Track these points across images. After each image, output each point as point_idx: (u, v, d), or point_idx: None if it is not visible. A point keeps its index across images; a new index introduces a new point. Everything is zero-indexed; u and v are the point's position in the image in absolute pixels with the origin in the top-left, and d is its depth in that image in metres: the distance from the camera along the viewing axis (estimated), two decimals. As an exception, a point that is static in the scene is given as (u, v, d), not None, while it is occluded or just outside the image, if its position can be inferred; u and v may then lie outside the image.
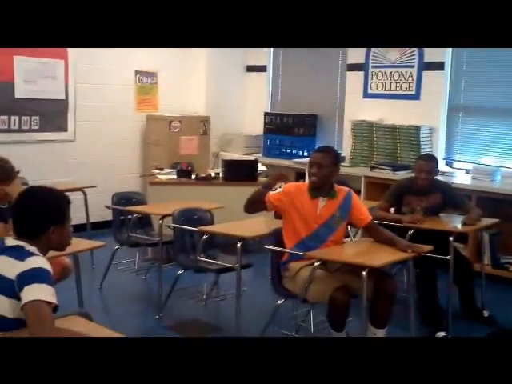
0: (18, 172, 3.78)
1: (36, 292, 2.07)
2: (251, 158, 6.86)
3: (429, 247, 3.69)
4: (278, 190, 3.68)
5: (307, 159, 6.76)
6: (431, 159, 4.58)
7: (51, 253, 2.49)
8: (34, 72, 6.24)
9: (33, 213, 2.28)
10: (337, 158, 3.75)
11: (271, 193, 3.67)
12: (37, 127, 6.34)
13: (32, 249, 2.23)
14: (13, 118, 6.15)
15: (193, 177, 6.03)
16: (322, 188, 3.66)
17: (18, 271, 2.12)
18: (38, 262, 2.17)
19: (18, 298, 2.10)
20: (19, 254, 2.19)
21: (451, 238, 4.12)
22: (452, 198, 4.55)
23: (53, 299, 2.09)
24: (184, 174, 6.01)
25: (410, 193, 4.51)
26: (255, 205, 3.73)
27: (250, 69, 7.90)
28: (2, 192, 3.64)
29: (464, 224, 4.29)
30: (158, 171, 6.23)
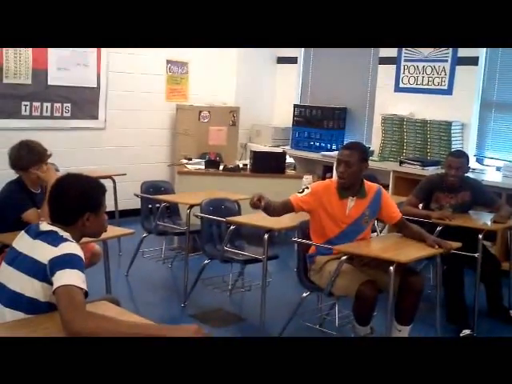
0: (50, 155, 3.78)
1: (68, 277, 2.10)
2: (279, 150, 6.85)
3: (457, 244, 3.65)
4: (306, 191, 3.59)
5: (335, 152, 6.77)
6: (462, 156, 4.52)
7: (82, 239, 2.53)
8: (66, 60, 6.30)
9: (69, 199, 2.31)
10: (365, 154, 3.66)
11: (299, 195, 3.59)
12: (68, 114, 6.41)
13: (66, 235, 2.26)
14: (45, 104, 6.23)
15: (221, 167, 6.05)
16: (351, 187, 3.59)
17: (50, 256, 2.16)
18: (71, 247, 2.20)
19: (50, 283, 2.14)
20: (53, 239, 2.22)
21: (480, 236, 4.08)
22: (482, 196, 4.49)
23: (84, 285, 2.12)
24: (212, 164, 6.03)
25: (439, 189, 4.47)
26: (281, 213, 3.65)
27: (281, 60, 7.88)
28: (34, 176, 3.66)
29: (494, 222, 4.24)
30: (186, 161, 6.27)
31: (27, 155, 3.64)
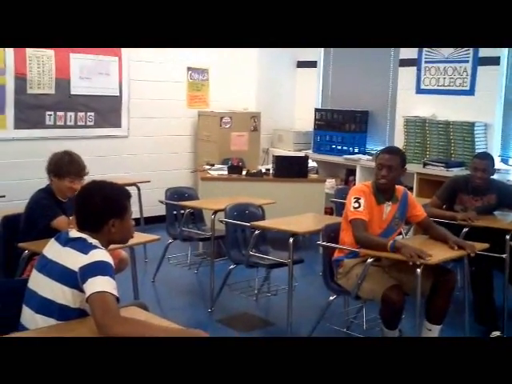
0: (88, 173, 3.76)
1: (101, 284, 2.13)
2: (301, 154, 6.85)
3: (484, 245, 3.62)
4: (361, 202, 3.51)
5: (358, 156, 6.80)
6: (487, 157, 4.49)
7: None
8: (88, 69, 6.38)
9: (93, 205, 2.34)
10: (405, 159, 3.71)
11: (360, 209, 3.50)
12: (92, 123, 6.48)
13: (94, 242, 2.30)
14: (69, 114, 6.31)
15: (243, 172, 6.06)
16: (388, 191, 3.62)
17: (81, 263, 2.19)
18: (101, 255, 2.23)
19: (80, 290, 2.17)
20: (82, 246, 2.26)
21: (507, 237, 4.04)
22: (509, 199, 4.45)
23: (115, 292, 2.15)
24: (235, 169, 6.05)
25: (464, 191, 4.43)
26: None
27: (301, 65, 7.89)
28: (66, 186, 3.64)
29: None
30: (209, 167, 6.30)
31: (68, 165, 3.67)
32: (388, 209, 3.63)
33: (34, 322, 2.24)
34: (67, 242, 2.31)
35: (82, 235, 2.31)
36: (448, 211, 4.43)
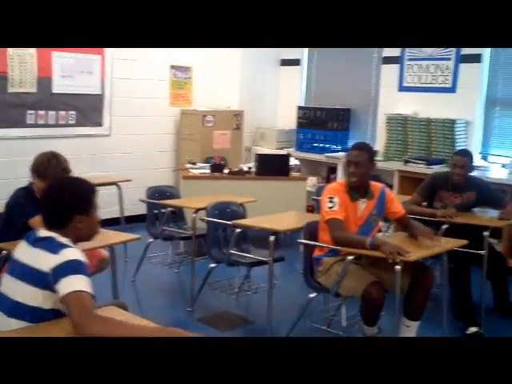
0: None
1: (75, 283, 2.12)
2: (284, 152, 6.86)
3: (462, 241, 3.64)
4: (335, 201, 3.53)
5: (340, 154, 6.82)
6: (466, 154, 4.52)
7: (88, 245, 2.54)
8: (71, 67, 6.33)
9: (58, 202, 2.33)
10: (373, 154, 3.73)
11: (335, 209, 3.52)
12: (73, 122, 6.44)
13: (64, 240, 2.27)
14: (50, 112, 6.26)
15: (226, 171, 6.06)
16: (360, 187, 3.63)
17: (52, 264, 2.16)
18: (72, 253, 2.21)
19: (53, 290, 2.15)
20: (52, 246, 2.23)
21: (486, 233, 4.07)
22: (488, 196, 4.48)
23: (89, 289, 2.13)
24: (217, 168, 6.05)
25: (443, 188, 4.46)
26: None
27: (284, 63, 7.90)
28: None
29: (500, 218, 4.23)
30: (191, 165, 6.28)
31: (53, 167, 3.65)
32: (363, 205, 3.64)
33: (7, 325, 2.22)
34: (36, 241, 2.28)
35: (51, 234, 2.29)
36: (428, 208, 4.45)
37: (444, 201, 4.45)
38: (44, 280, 2.16)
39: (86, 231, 2.37)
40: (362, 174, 3.60)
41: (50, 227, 2.33)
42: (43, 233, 2.31)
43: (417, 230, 3.66)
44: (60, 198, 2.33)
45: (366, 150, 3.67)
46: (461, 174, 4.37)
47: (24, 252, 2.30)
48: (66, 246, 2.24)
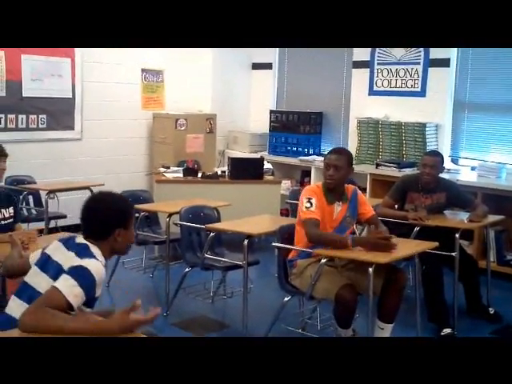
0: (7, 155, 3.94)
1: (64, 283, 2.17)
2: (257, 156, 6.88)
3: (434, 244, 3.70)
4: (313, 201, 3.56)
5: (313, 157, 6.86)
6: (436, 155, 4.59)
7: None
8: (40, 71, 6.27)
9: (102, 215, 2.40)
10: (351, 159, 3.77)
11: (312, 209, 3.54)
12: (44, 126, 6.37)
13: (96, 252, 2.33)
14: (20, 116, 6.19)
15: (199, 175, 6.05)
16: (336, 190, 3.67)
17: (72, 264, 2.24)
18: (92, 265, 2.26)
19: None
20: (83, 252, 2.30)
21: (457, 235, 4.14)
22: (458, 198, 4.54)
23: (73, 299, 2.16)
24: (190, 172, 6.04)
25: (414, 190, 4.51)
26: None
27: (256, 66, 7.92)
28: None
29: (470, 221, 4.30)
30: (164, 169, 6.26)
31: None
32: (338, 209, 3.68)
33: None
34: (72, 246, 2.35)
35: (87, 242, 2.36)
36: (399, 211, 4.51)
37: (414, 202, 4.49)
38: (59, 275, 2.23)
39: (123, 244, 2.44)
40: (340, 178, 3.65)
41: (87, 237, 2.39)
42: (80, 239, 2.39)
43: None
44: (105, 212, 2.41)
45: (345, 155, 3.71)
46: (431, 174, 4.43)
47: (57, 251, 2.37)
48: (93, 256, 2.30)
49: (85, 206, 2.48)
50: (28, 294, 2.32)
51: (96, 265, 2.28)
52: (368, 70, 6.77)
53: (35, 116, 6.30)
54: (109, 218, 2.40)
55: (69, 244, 2.38)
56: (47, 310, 2.10)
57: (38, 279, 2.33)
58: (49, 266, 2.34)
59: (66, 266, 2.25)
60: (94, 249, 2.34)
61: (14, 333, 2.08)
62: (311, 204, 3.57)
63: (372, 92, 6.78)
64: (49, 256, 2.38)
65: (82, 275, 2.21)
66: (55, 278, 2.24)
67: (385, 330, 3.55)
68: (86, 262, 2.25)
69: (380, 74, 6.70)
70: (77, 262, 2.25)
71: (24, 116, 6.21)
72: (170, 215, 4.57)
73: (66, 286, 2.16)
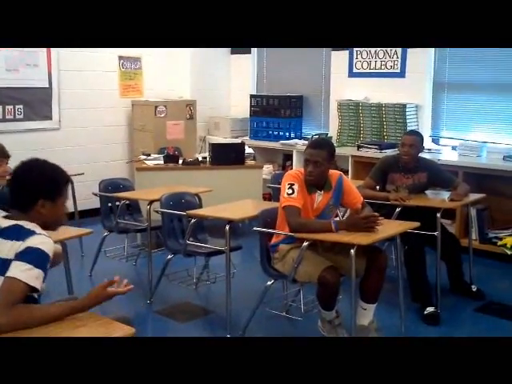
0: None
1: (19, 270, 2.06)
2: (238, 141, 6.84)
3: (415, 224, 3.70)
4: (295, 188, 3.49)
5: (294, 141, 6.84)
6: (414, 134, 4.61)
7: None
8: (15, 60, 6.17)
9: (27, 181, 2.25)
10: (333, 152, 3.63)
11: (294, 196, 3.48)
12: (21, 116, 6.29)
13: (32, 226, 2.19)
14: (-4, 107, 6.10)
15: (180, 161, 6.01)
16: (318, 183, 3.60)
17: (17, 250, 2.11)
18: (37, 241, 2.13)
19: None
20: (19, 234, 2.15)
21: (438, 215, 4.15)
22: (439, 177, 4.53)
23: (34, 282, 2.07)
24: (171, 158, 5.99)
25: (394, 170, 4.50)
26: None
27: (235, 51, 7.85)
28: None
29: (451, 200, 4.31)
30: (144, 157, 6.21)
31: None
32: (319, 198, 3.61)
33: None
34: (0, 233, 2.19)
35: (18, 222, 2.20)
36: (381, 192, 4.50)
37: (396, 183, 4.49)
38: (6, 266, 2.09)
39: (49, 219, 2.28)
40: (320, 173, 3.54)
41: (12, 207, 2.25)
42: (6, 222, 2.22)
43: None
44: (29, 178, 2.25)
45: (325, 148, 3.57)
46: (409, 153, 4.41)
47: None
48: (33, 232, 2.16)
49: (14, 170, 2.32)
50: None
51: (41, 239, 2.15)
52: (347, 51, 6.73)
53: (11, 106, 6.20)
54: (33, 186, 2.23)
55: None
56: (18, 307, 2.03)
57: None
58: None
59: (10, 256, 2.11)
60: (28, 224, 2.18)
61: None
62: (293, 190, 3.51)
63: (352, 74, 6.75)
64: None
65: (34, 256, 2.10)
66: (1, 272, 2.10)
67: (368, 311, 3.55)
68: (31, 242, 2.12)
69: (359, 56, 6.67)
70: (21, 246, 2.11)
71: (0, 107, 6.12)
72: (151, 202, 4.53)
73: (21, 272, 2.06)
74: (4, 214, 2.26)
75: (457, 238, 4.66)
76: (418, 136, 4.53)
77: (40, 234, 2.17)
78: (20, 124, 6.28)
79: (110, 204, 5.04)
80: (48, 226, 2.31)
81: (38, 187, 2.24)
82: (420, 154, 4.56)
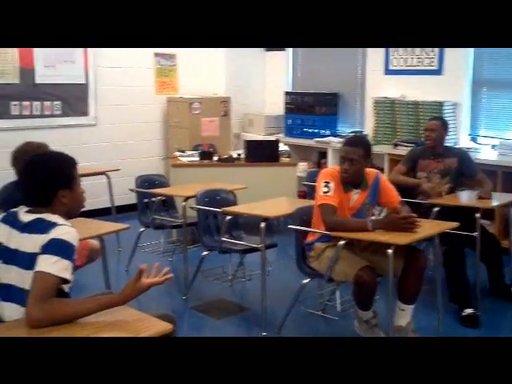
0: None
1: (46, 263, 2.06)
2: (272, 138, 6.83)
3: (454, 224, 3.64)
4: (331, 186, 3.46)
5: (329, 138, 6.80)
6: (436, 118, 4.73)
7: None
8: (53, 57, 6.25)
9: (38, 180, 2.25)
10: (369, 150, 3.58)
11: (329, 194, 3.45)
12: (59, 112, 6.37)
13: (54, 218, 2.19)
14: (35, 103, 6.19)
15: (215, 158, 6.02)
16: (354, 181, 3.57)
17: (41, 243, 2.11)
18: (61, 232, 2.14)
19: None
20: (42, 226, 2.16)
21: (478, 215, 4.07)
22: (468, 164, 4.61)
23: (63, 273, 2.08)
24: (206, 155, 6.00)
25: (424, 157, 4.59)
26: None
27: (270, 48, 7.82)
28: None
29: (479, 198, 4.23)
30: (180, 153, 6.23)
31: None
32: (356, 196, 3.58)
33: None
34: (24, 227, 2.20)
35: (39, 215, 2.21)
36: (412, 179, 4.57)
37: (427, 168, 4.55)
38: (32, 261, 2.10)
39: (72, 206, 2.29)
40: (356, 171, 3.51)
41: (32, 205, 2.25)
42: (29, 217, 2.22)
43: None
44: (40, 176, 2.25)
45: (361, 146, 3.53)
46: (431, 137, 4.53)
47: (11, 237, 2.21)
48: (55, 224, 2.16)
49: (21, 173, 2.31)
50: (11, 293, 2.17)
51: (64, 230, 2.15)
52: (383, 49, 6.66)
53: (49, 103, 6.29)
54: (48, 182, 2.23)
55: (18, 227, 2.21)
56: (52, 301, 2.04)
57: (8, 274, 2.18)
58: (9, 255, 2.18)
59: (36, 250, 2.11)
60: (49, 217, 2.19)
61: (21, 331, 2.03)
62: (329, 189, 3.48)
63: (388, 71, 6.67)
64: (10, 248, 2.19)
65: (59, 248, 2.10)
66: (30, 267, 2.10)
67: (406, 312, 3.51)
68: (54, 233, 2.12)
69: (396, 53, 6.59)
70: (45, 238, 2.11)
71: (38, 103, 6.21)
72: (187, 199, 4.55)
73: (50, 265, 2.06)
74: (26, 208, 2.27)
75: (497, 239, 4.56)
76: (439, 121, 4.63)
77: (62, 224, 2.17)
78: (58, 120, 6.36)
79: (146, 200, 5.08)
80: (72, 212, 2.33)
81: (53, 182, 2.25)
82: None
